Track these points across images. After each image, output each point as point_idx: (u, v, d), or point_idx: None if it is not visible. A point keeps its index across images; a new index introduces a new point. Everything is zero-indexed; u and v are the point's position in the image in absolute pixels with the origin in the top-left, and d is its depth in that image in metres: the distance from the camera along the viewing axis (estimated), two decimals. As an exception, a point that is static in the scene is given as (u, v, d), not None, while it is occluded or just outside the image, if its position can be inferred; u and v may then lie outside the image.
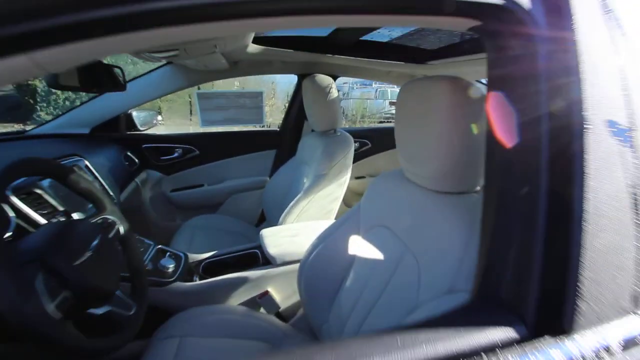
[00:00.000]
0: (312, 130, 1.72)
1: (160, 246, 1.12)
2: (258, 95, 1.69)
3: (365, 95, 11.18)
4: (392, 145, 2.06)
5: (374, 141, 2.02)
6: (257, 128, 2.01)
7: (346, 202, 2.00)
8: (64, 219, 0.66)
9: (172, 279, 0.98)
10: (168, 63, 1.43)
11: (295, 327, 1.05)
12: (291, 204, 1.28)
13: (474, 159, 0.63)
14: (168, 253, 1.10)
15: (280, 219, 1.27)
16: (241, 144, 1.81)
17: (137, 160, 1.55)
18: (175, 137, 1.68)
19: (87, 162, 1.10)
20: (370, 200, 0.93)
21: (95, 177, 1.10)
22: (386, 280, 0.78)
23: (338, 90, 1.41)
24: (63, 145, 1.24)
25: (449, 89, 0.59)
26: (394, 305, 0.73)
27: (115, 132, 1.53)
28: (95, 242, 0.62)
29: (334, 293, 0.96)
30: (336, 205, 1.34)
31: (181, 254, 1.12)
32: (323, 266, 0.96)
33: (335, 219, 1.35)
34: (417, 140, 0.69)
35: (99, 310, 0.61)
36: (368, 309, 0.81)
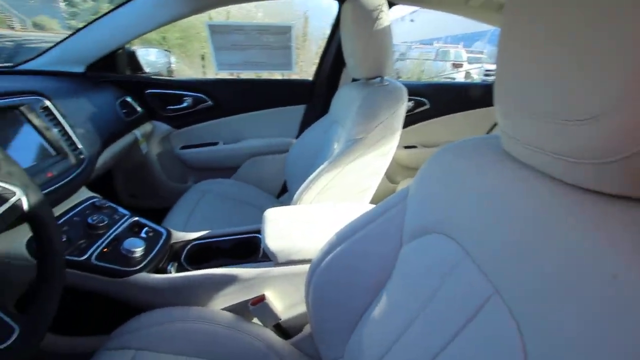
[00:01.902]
0: (353, 80, 1.33)
1: (137, 218, 0.87)
2: (286, 31, 1.30)
3: (424, 56, 10.05)
4: (457, 109, 1.59)
5: (433, 101, 1.55)
6: (286, 76, 1.64)
7: (389, 177, 1.61)
8: None
9: (136, 268, 0.73)
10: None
11: (300, 348, 0.75)
12: (311, 177, 0.94)
13: None
14: (145, 229, 0.84)
15: (295, 196, 0.95)
16: (264, 96, 1.47)
17: (139, 109, 1.30)
18: (185, 83, 1.39)
19: (48, 104, 0.84)
20: (426, 186, 0.55)
21: (57, 122, 0.84)
22: (451, 332, 0.43)
23: (394, 51, 0.98)
24: (31, 81, 1.00)
25: None
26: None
27: (114, 72, 1.28)
28: None
29: (354, 319, 0.63)
30: (374, 182, 0.98)
31: (162, 231, 0.86)
32: (341, 277, 0.63)
33: (373, 202, 0.99)
34: (569, 65, 0.29)
35: None
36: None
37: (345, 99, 1.08)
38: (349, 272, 0.62)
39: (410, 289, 0.54)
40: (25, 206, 0.50)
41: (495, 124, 1.64)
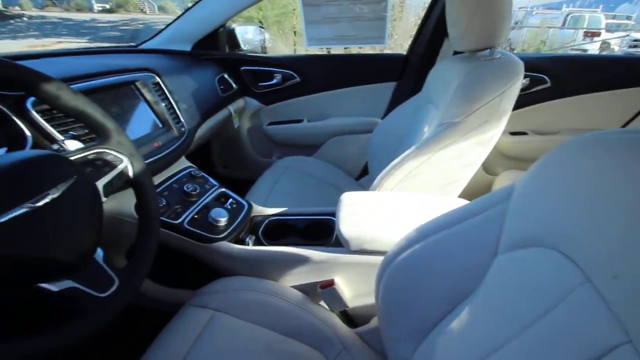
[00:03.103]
0: (455, 53, 1.17)
1: (224, 190, 0.93)
2: (381, 0, 1.19)
3: (547, 23, 8.41)
4: (587, 89, 1.27)
5: (556, 78, 1.27)
6: (376, 51, 1.54)
7: (486, 167, 1.41)
8: (34, 151, 0.47)
9: (219, 236, 0.78)
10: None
11: (365, 339, 0.73)
12: (394, 162, 0.86)
13: None
14: (230, 200, 0.90)
15: (375, 182, 0.89)
16: (352, 73, 1.41)
17: (234, 85, 1.38)
18: (276, 60, 1.41)
19: (158, 80, 0.94)
20: (541, 187, 0.45)
21: (165, 97, 0.94)
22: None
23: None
24: (146, 59, 1.13)
25: None
26: None
27: (215, 50, 1.37)
28: (51, 191, 0.41)
29: (427, 326, 0.57)
30: (466, 174, 0.85)
31: (245, 204, 0.91)
32: (418, 277, 0.57)
33: (463, 196, 0.87)
34: None
35: (53, 287, 0.42)
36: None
37: (444, 74, 0.95)
38: (427, 273, 0.56)
39: (503, 308, 0.45)
40: (130, 173, 0.56)
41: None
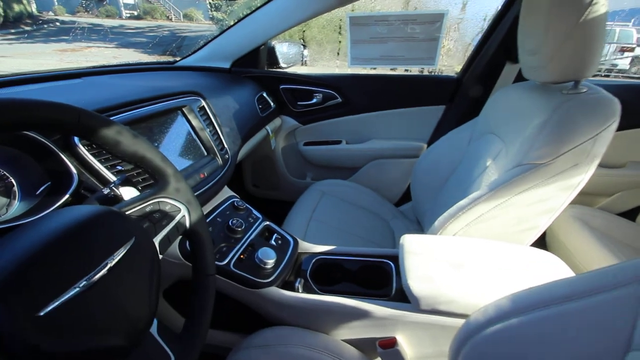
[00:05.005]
0: (517, 80, 1.08)
1: (268, 223, 0.86)
2: (436, 20, 1.11)
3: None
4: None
5: (625, 107, 1.15)
6: (424, 72, 1.46)
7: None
8: (88, 207, 0.40)
9: (267, 280, 0.71)
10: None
11: (431, 411, 0.64)
12: (461, 204, 0.77)
13: None
14: (275, 236, 0.83)
15: (437, 224, 0.80)
16: (398, 95, 1.33)
17: (272, 104, 1.32)
18: (317, 79, 1.35)
19: (203, 104, 0.88)
20: None
21: (210, 122, 0.88)
22: None
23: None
24: (188, 79, 1.08)
25: None
26: None
27: (254, 67, 1.32)
28: (109, 260, 0.34)
29: None
30: (544, 222, 0.75)
31: (290, 240, 0.83)
32: (517, 359, 0.48)
33: (539, 245, 0.77)
34: None
35: (105, 372, 0.35)
36: None
37: (513, 105, 0.86)
38: (532, 356, 0.46)
39: None
40: (187, 223, 0.49)
41: None
